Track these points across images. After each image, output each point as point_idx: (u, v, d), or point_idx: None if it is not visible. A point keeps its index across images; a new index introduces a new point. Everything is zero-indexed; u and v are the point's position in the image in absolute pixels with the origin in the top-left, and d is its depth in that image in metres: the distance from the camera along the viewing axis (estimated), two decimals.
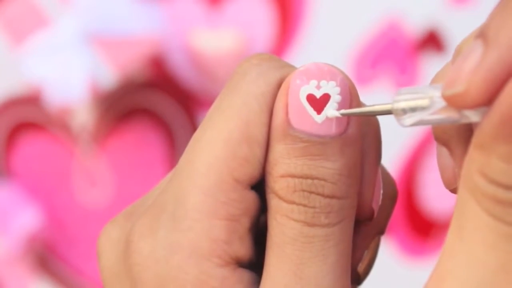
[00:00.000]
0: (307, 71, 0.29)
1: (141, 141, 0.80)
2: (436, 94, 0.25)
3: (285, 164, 0.29)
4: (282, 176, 0.29)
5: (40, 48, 0.74)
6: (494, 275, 0.24)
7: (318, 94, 0.29)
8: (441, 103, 0.25)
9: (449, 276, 0.25)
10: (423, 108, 0.26)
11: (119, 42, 0.73)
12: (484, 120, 0.23)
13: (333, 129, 0.29)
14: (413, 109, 0.26)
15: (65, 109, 0.75)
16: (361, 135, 0.30)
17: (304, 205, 0.29)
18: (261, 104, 0.29)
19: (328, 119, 0.29)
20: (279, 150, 0.29)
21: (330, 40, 0.79)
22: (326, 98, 0.29)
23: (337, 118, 0.29)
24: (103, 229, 0.32)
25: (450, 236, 0.25)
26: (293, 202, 0.29)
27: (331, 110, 0.29)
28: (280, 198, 0.29)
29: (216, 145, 0.29)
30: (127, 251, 0.30)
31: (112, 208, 0.81)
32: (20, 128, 0.81)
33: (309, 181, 0.28)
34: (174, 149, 0.80)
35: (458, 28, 0.80)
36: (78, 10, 0.74)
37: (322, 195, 0.29)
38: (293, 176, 0.29)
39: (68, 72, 0.73)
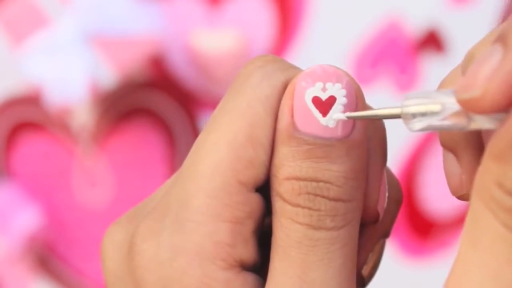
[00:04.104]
0: (313, 73, 0.29)
1: (141, 141, 0.80)
2: (447, 99, 0.25)
3: (290, 167, 0.29)
4: (287, 179, 0.29)
5: (40, 48, 0.74)
6: None
7: (324, 96, 0.29)
8: (452, 108, 0.25)
9: None
10: (433, 113, 0.26)
11: (119, 42, 0.73)
12: (501, 128, 0.23)
13: (338, 132, 0.28)
14: (423, 114, 0.26)
15: (65, 109, 0.75)
16: (366, 137, 0.29)
17: (309, 208, 0.28)
18: (266, 107, 0.29)
19: (332, 122, 0.28)
20: (284, 152, 0.29)
21: (330, 40, 0.79)
22: (332, 100, 0.29)
23: (343, 120, 0.29)
24: (106, 231, 0.32)
25: (463, 247, 0.25)
26: (298, 205, 0.28)
27: (338, 113, 0.28)
28: (285, 200, 0.29)
29: (220, 148, 0.29)
30: (130, 253, 0.30)
31: (112, 208, 0.81)
32: (20, 128, 0.81)
33: (314, 184, 0.28)
34: (174, 149, 0.80)
35: (458, 28, 0.80)
36: (78, 10, 0.74)
37: (328, 198, 0.28)
38: (298, 178, 0.28)
39: (68, 72, 0.73)
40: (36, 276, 0.83)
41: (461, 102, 0.24)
